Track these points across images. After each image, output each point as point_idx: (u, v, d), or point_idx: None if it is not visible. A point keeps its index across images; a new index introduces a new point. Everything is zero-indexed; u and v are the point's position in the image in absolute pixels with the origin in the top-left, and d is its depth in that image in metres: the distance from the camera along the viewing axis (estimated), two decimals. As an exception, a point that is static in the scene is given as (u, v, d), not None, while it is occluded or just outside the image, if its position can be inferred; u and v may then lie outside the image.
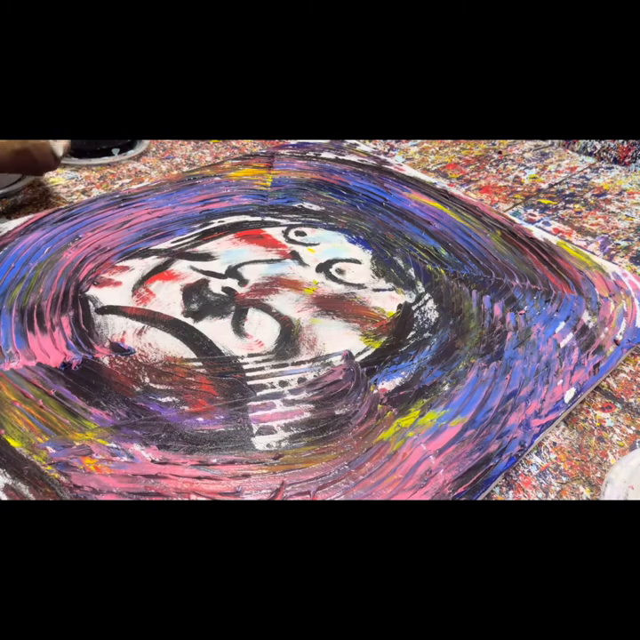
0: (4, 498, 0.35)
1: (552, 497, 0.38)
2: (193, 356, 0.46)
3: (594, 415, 0.45)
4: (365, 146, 0.83)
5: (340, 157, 0.78)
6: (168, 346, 0.46)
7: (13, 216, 0.63)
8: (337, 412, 0.42)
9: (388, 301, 0.54)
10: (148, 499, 0.35)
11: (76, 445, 0.38)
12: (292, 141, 0.82)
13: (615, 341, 0.49)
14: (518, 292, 0.55)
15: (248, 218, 0.64)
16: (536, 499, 0.38)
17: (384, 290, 0.55)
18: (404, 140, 0.88)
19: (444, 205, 0.69)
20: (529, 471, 0.40)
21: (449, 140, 0.89)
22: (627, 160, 0.83)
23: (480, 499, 0.37)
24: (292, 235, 0.62)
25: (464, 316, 0.52)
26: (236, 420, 0.41)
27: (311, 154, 0.79)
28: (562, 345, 0.49)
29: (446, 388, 0.44)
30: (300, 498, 0.36)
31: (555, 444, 0.42)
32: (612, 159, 0.85)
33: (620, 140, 0.83)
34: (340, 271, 0.57)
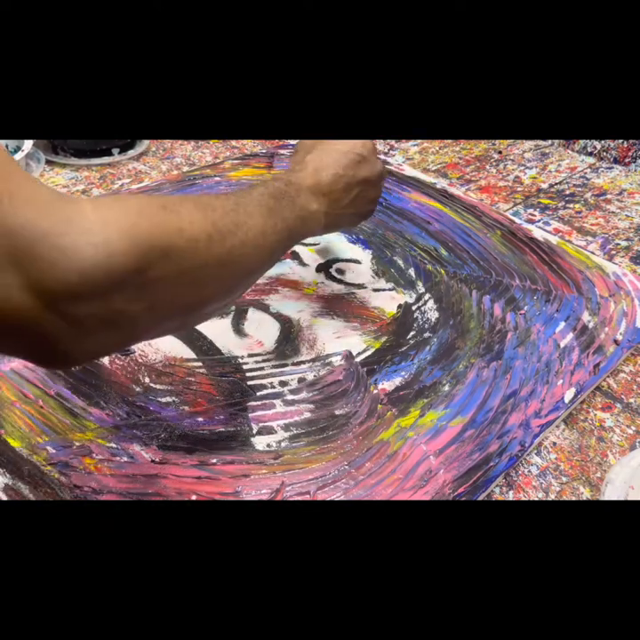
0: (4, 498, 0.35)
1: (552, 497, 0.38)
2: (193, 356, 0.46)
3: (594, 415, 0.45)
4: (365, 146, 0.83)
5: (340, 157, 0.78)
6: (168, 346, 0.46)
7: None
8: (337, 412, 0.42)
9: (388, 301, 0.53)
10: (147, 499, 0.35)
11: (76, 445, 0.38)
12: (292, 141, 0.82)
13: (615, 341, 0.49)
14: (518, 291, 0.55)
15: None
16: (536, 499, 0.38)
17: (384, 290, 0.55)
18: (404, 140, 0.88)
19: (444, 205, 0.68)
20: (529, 471, 0.40)
21: (449, 140, 0.89)
22: (627, 160, 0.83)
23: (480, 499, 0.37)
24: (291, 235, 0.62)
25: (464, 316, 0.52)
26: (235, 419, 0.41)
27: (311, 154, 0.79)
28: (562, 345, 0.49)
29: (446, 388, 0.44)
30: (299, 498, 0.36)
31: (555, 444, 0.42)
32: (612, 159, 0.85)
33: (620, 140, 0.83)
34: (340, 271, 0.57)
